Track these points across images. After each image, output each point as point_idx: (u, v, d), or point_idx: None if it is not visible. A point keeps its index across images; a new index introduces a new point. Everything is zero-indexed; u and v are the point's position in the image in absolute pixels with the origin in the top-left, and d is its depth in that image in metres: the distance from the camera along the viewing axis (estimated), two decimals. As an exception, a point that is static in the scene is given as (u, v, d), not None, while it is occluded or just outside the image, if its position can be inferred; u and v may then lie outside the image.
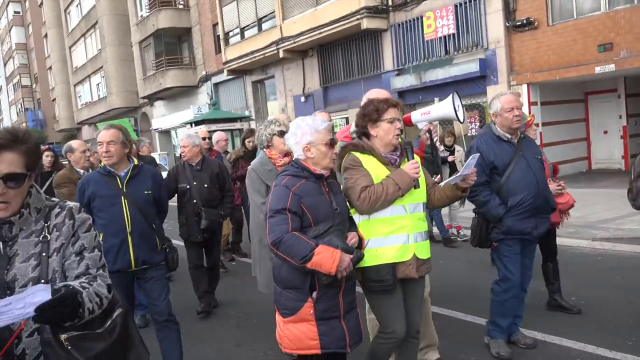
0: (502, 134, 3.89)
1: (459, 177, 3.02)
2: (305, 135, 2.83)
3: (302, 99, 19.29)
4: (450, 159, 7.93)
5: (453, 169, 7.88)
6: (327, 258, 2.61)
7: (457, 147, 8.22)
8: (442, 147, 7.88)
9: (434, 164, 3.92)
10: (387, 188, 2.90)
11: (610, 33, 11.13)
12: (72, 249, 1.88)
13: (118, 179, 3.90)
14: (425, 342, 3.75)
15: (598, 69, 11.29)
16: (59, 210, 1.91)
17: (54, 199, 1.98)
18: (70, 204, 1.98)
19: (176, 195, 5.61)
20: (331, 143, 2.86)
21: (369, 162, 3.03)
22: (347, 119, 17.26)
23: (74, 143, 5.24)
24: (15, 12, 56.15)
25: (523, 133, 4.10)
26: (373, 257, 2.97)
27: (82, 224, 1.92)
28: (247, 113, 21.86)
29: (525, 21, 12.50)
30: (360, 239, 2.92)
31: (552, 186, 4.45)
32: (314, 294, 2.76)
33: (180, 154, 6.46)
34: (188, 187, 5.51)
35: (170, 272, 4.40)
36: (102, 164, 3.94)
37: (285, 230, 2.68)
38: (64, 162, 10.74)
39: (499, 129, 3.92)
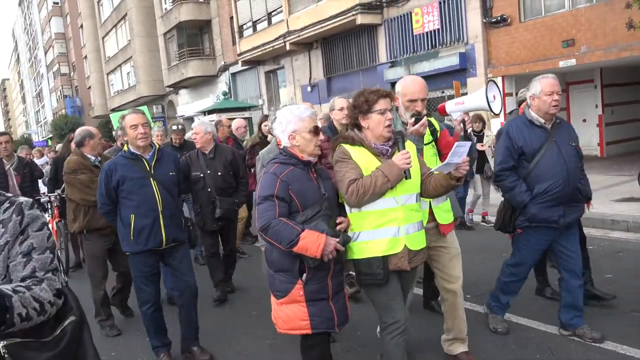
0: (536, 118, 3.76)
1: (450, 165, 2.89)
2: (289, 123, 2.91)
3: (309, 88, 20.50)
4: (479, 147, 7.58)
5: (483, 158, 7.76)
6: (312, 242, 2.68)
7: (486, 133, 7.91)
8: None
9: (469, 154, 3.55)
10: (375, 180, 2.81)
11: (573, 30, 11.98)
12: (19, 248, 1.73)
13: (145, 162, 3.99)
14: (452, 335, 3.72)
15: (562, 63, 12.16)
16: (8, 205, 1.77)
17: (7, 194, 1.84)
18: (22, 199, 1.81)
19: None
20: (315, 130, 2.92)
21: (359, 154, 2.96)
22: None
23: (92, 129, 5.14)
24: (54, 2, 58.78)
25: (560, 118, 3.92)
26: (364, 250, 2.93)
27: (32, 222, 1.77)
28: (260, 102, 23.27)
29: (500, 18, 13.43)
30: (348, 224, 2.98)
31: None
32: (304, 276, 2.84)
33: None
34: (202, 175, 5.39)
35: (192, 248, 4.55)
36: (126, 148, 4.04)
37: (273, 216, 2.74)
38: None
39: (532, 113, 3.78)
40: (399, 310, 3.02)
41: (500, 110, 3.67)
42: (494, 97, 3.57)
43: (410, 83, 3.54)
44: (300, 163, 2.91)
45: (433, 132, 3.61)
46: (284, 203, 2.79)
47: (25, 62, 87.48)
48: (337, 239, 2.75)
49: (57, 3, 58.46)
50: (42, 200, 7.68)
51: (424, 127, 3.34)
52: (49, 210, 8.13)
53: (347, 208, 3.03)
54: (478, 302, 4.65)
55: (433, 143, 3.60)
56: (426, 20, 15.26)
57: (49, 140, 51.00)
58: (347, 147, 2.99)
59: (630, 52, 10.90)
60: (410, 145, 3.07)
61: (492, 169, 7.46)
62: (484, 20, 13.82)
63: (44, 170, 8.61)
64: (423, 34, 15.47)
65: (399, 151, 2.93)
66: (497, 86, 3.67)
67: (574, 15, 11.98)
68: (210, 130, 5.58)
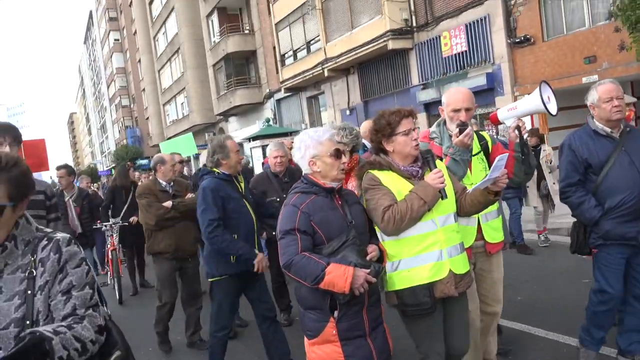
0: (600, 127, 3.54)
1: (489, 180, 2.75)
2: (308, 148, 2.73)
3: (347, 112, 21.28)
4: None
5: (540, 174, 7.69)
6: (339, 277, 2.48)
7: (543, 147, 7.88)
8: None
9: (526, 163, 3.37)
10: (411, 204, 2.67)
11: (594, 47, 12.22)
12: (58, 287, 1.70)
13: (237, 183, 4.14)
14: (482, 356, 3.59)
15: (584, 80, 12.38)
16: (46, 242, 1.75)
17: (46, 229, 1.82)
18: (59, 235, 1.78)
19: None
20: (337, 154, 2.73)
21: (389, 179, 2.82)
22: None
23: (165, 156, 5.35)
24: (115, 39, 62.62)
25: (630, 126, 3.66)
26: (406, 279, 2.76)
27: (70, 259, 1.75)
28: (303, 126, 24.24)
29: (523, 38, 13.79)
30: (382, 251, 2.79)
31: None
32: (336, 313, 2.62)
33: (262, 164, 6.84)
34: (279, 200, 5.12)
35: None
36: (218, 172, 4.06)
37: (295, 252, 2.57)
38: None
39: (596, 123, 3.56)
40: (437, 347, 2.84)
41: (557, 112, 3.40)
42: (549, 98, 3.35)
43: (453, 93, 3.48)
44: (323, 191, 2.73)
45: (484, 145, 3.51)
46: (306, 236, 2.60)
47: (90, 96, 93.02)
48: (368, 270, 2.54)
49: (118, 40, 62.21)
50: (102, 229, 8.01)
51: (468, 137, 3.20)
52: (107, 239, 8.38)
53: (381, 236, 2.88)
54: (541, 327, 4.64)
55: (482, 156, 3.49)
56: (454, 42, 15.78)
57: (112, 170, 53.91)
58: (375, 172, 2.86)
59: (650, 66, 11.06)
60: (440, 164, 2.98)
61: (548, 187, 7.55)
62: (509, 41, 14.22)
63: None
64: (452, 56, 15.97)
65: (430, 171, 2.82)
66: (550, 87, 3.41)
67: (594, 33, 12.23)
68: (288, 152, 5.42)
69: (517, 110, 3.47)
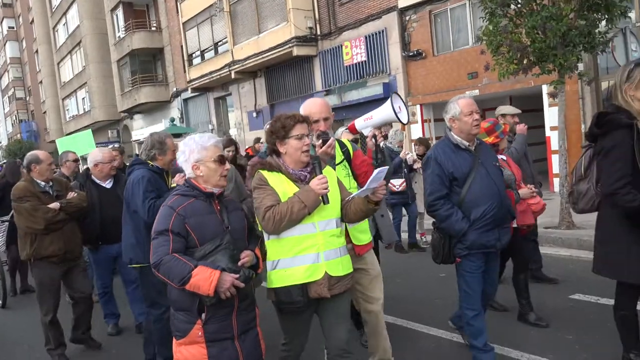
0: (460, 141, 3.66)
1: (368, 190, 2.87)
2: (193, 153, 2.78)
3: (254, 114, 21.68)
4: (416, 166, 8.12)
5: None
6: (204, 279, 2.54)
7: None
8: (414, 157, 8.28)
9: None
10: (291, 207, 2.77)
11: (476, 64, 13.53)
12: None
13: (166, 178, 4.32)
14: (377, 357, 3.72)
15: (467, 93, 13.64)
16: None
17: None
18: None
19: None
20: (220, 160, 2.80)
21: (277, 180, 2.92)
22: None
23: (40, 154, 4.87)
24: (9, 27, 58.80)
25: (479, 140, 3.84)
26: (283, 277, 2.87)
27: None
28: (210, 126, 24.35)
29: (416, 52, 14.95)
30: (257, 257, 2.87)
31: (525, 190, 4.40)
32: (203, 316, 2.69)
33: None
34: None
35: None
36: (152, 164, 4.21)
37: (166, 252, 2.62)
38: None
39: (456, 137, 3.68)
40: (298, 339, 3.10)
41: (408, 121, 3.66)
42: (400, 107, 3.55)
43: (310, 104, 3.51)
44: (203, 195, 2.79)
45: (346, 152, 3.58)
46: (179, 238, 2.66)
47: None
48: (237, 275, 2.62)
49: (13, 27, 58.47)
50: None
51: (331, 148, 3.30)
52: None
53: (265, 235, 2.98)
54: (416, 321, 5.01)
55: (346, 163, 3.57)
56: (355, 52, 16.69)
57: (3, 166, 50.54)
58: (264, 173, 2.96)
59: (522, 85, 12.46)
60: (328, 171, 3.04)
61: None
62: (403, 54, 15.32)
63: None
64: (352, 65, 16.88)
65: (316, 176, 2.91)
66: (401, 98, 3.65)
67: (475, 51, 13.51)
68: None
69: (372, 120, 3.69)
